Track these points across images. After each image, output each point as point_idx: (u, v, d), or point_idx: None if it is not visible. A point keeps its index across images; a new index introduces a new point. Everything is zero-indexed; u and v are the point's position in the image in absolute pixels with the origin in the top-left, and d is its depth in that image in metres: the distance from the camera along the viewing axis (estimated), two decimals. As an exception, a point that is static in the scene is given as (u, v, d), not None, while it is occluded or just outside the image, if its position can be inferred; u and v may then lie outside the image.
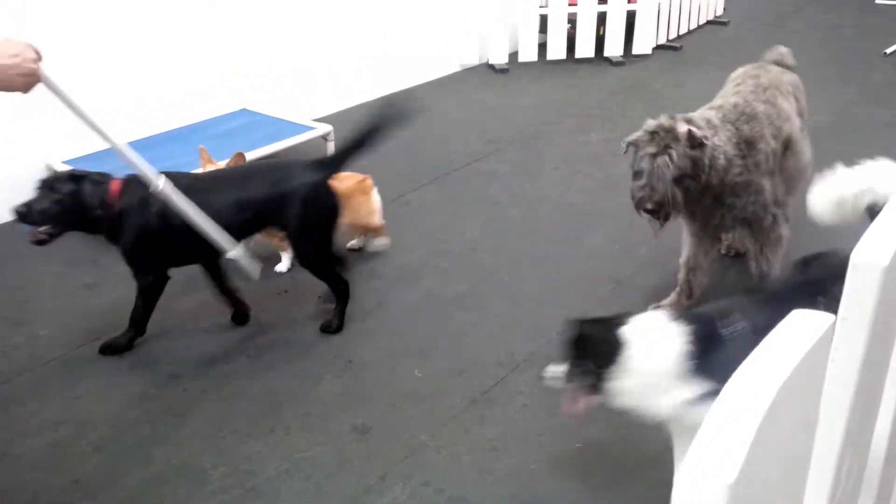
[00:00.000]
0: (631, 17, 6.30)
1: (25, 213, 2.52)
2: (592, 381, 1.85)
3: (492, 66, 6.18)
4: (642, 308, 2.49)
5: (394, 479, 2.19)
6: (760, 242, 2.80)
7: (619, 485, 2.19)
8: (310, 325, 2.94)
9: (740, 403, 0.65)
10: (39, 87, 2.12)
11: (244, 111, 4.56)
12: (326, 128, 4.28)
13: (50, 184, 2.55)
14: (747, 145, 2.65)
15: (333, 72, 5.20)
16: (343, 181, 3.34)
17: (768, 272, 2.79)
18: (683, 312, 2.00)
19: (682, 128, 2.49)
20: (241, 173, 2.88)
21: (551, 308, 2.99)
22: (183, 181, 2.59)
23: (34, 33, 3.49)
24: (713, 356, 1.76)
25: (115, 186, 2.59)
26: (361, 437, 2.36)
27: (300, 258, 2.87)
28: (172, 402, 2.54)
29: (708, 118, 2.64)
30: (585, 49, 6.27)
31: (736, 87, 2.91)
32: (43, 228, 2.55)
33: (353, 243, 3.46)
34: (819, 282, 1.87)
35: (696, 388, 1.75)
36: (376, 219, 3.37)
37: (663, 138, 2.48)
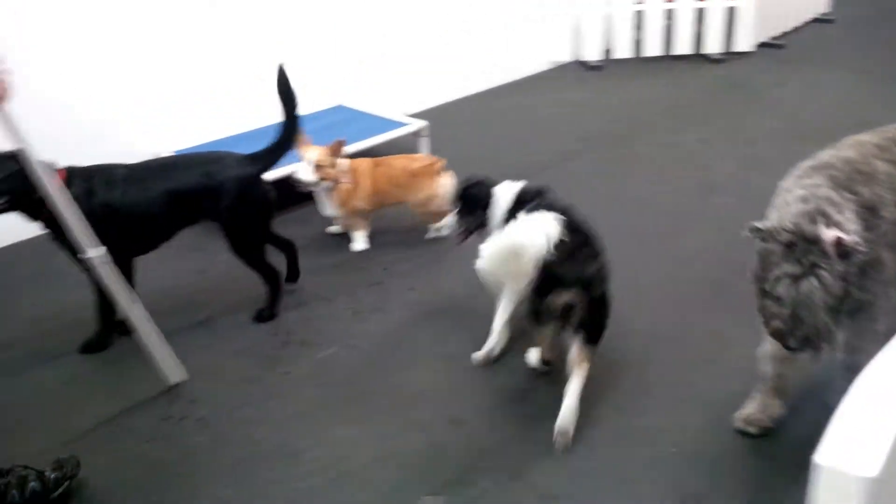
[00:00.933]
0: (731, 14, 6.13)
1: None
2: (472, 222, 2.83)
3: (584, 63, 6.12)
4: (744, 314, 2.43)
5: (485, 471, 2.22)
6: (862, 330, 2.12)
7: (712, 490, 2.15)
8: (402, 315, 3.01)
9: (884, 394, 0.61)
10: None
11: (340, 107, 4.68)
12: (421, 124, 4.34)
13: (1, 159, 2.54)
14: (870, 212, 2.03)
15: (427, 69, 5.27)
16: (414, 161, 3.53)
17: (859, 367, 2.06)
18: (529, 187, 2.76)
19: (829, 235, 1.85)
20: (173, 164, 2.90)
21: (642, 311, 2.96)
22: (120, 172, 2.71)
23: (137, 28, 3.65)
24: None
25: (59, 175, 2.59)
26: (454, 428, 2.40)
27: (232, 248, 2.93)
28: (273, 385, 2.65)
29: (828, 197, 1.97)
30: (683, 46, 6.14)
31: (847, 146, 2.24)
32: None
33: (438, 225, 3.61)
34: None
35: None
36: (437, 203, 3.45)
37: (806, 252, 1.86)
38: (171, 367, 2.62)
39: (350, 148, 3.95)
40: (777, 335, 1.98)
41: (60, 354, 2.85)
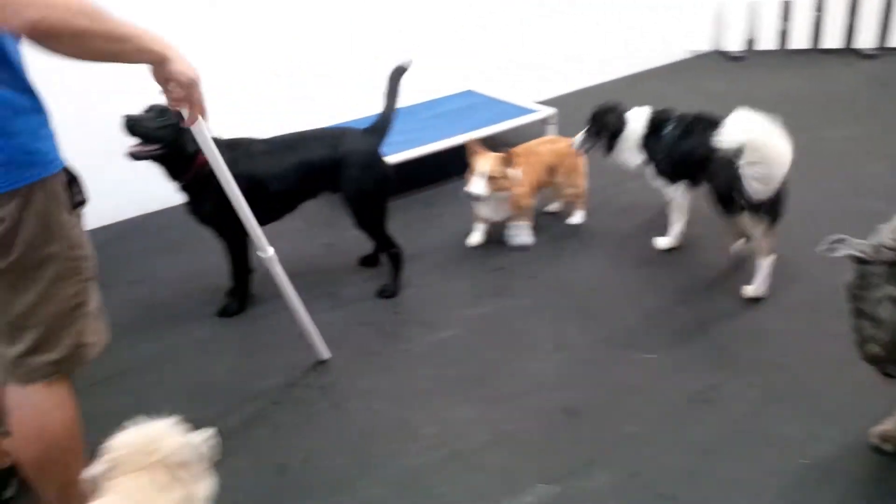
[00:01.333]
0: (889, 5, 5.68)
1: (134, 125, 2.62)
2: (596, 142, 3.34)
3: (725, 54, 5.86)
4: None
5: (601, 466, 2.18)
6: None
7: (847, 511, 2.03)
8: (522, 302, 2.99)
9: None
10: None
11: (470, 92, 4.69)
12: (550, 111, 4.29)
13: (163, 110, 2.65)
14: None
15: (558, 55, 5.20)
16: (555, 143, 3.51)
17: None
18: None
19: None
20: (302, 138, 2.97)
21: (782, 315, 2.81)
22: (260, 146, 2.85)
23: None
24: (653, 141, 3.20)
25: None
26: (570, 419, 2.37)
27: (356, 220, 3.01)
28: (393, 360, 2.71)
29: None
30: (833, 39, 5.75)
31: None
32: (138, 144, 2.64)
33: (552, 207, 3.65)
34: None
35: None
36: (582, 181, 3.48)
37: None
38: (320, 344, 2.70)
39: (478, 134, 3.97)
40: (872, 360, 1.84)
41: (195, 318, 3.02)
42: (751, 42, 5.88)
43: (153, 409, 2.48)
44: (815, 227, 3.42)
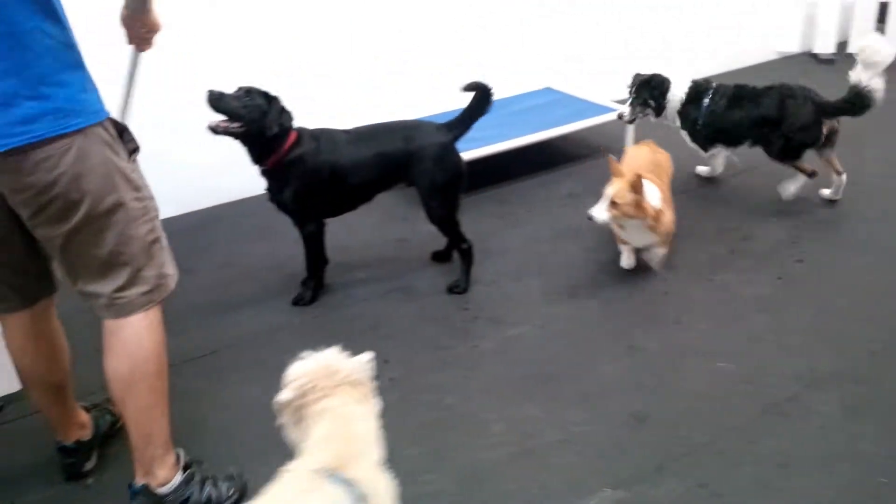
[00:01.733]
0: None
1: (217, 100, 2.72)
2: (643, 110, 3.68)
3: (815, 56, 5.65)
4: None
5: (669, 474, 2.15)
6: None
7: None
8: (593, 302, 2.97)
9: None
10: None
11: (548, 90, 4.67)
12: (626, 110, 4.22)
13: (249, 91, 2.76)
14: None
15: (642, 53, 5.11)
16: (656, 151, 3.40)
17: None
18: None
19: None
20: (380, 130, 3.02)
21: (866, 324, 2.72)
22: (342, 136, 2.94)
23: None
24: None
25: (292, 135, 2.82)
26: (638, 424, 2.35)
27: (428, 214, 3.03)
28: (462, 356, 2.73)
29: None
30: (934, 42, 5.48)
31: None
32: (222, 120, 2.72)
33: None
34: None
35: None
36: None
37: None
38: None
39: (554, 132, 3.95)
40: None
41: (272, 305, 3.11)
42: (843, 45, 5.65)
43: (231, 391, 2.59)
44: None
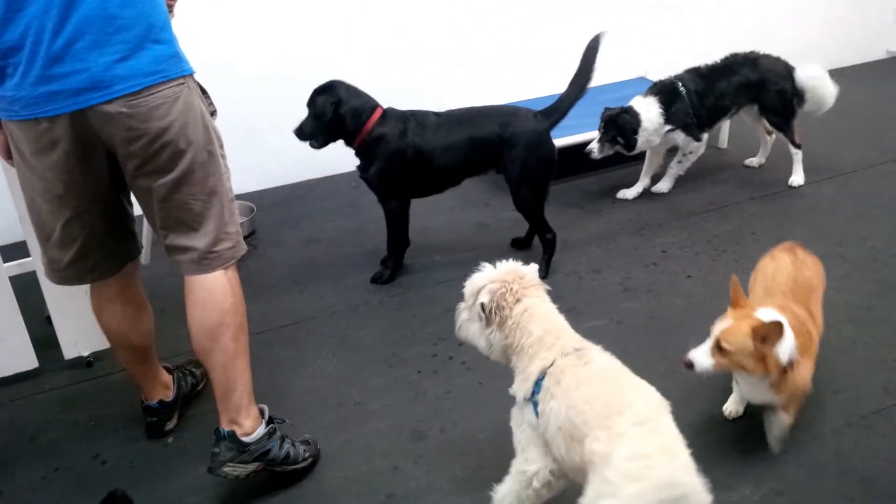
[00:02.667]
0: None
1: (300, 134, 2.94)
2: (616, 143, 3.56)
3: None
4: None
5: (745, 479, 2.08)
6: None
7: None
8: (673, 300, 2.90)
9: None
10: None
11: (642, 79, 4.56)
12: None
13: (313, 101, 2.90)
14: None
15: (733, 42, 4.94)
16: (803, 262, 2.39)
17: None
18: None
19: None
20: (475, 114, 3.02)
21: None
22: (433, 119, 2.96)
23: None
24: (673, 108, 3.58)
25: (376, 113, 2.88)
26: (715, 427, 2.28)
27: (515, 201, 3.02)
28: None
29: None
30: None
31: None
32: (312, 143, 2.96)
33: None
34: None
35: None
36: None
37: None
38: None
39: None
40: None
41: (353, 281, 3.17)
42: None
43: (309, 362, 2.67)
44: None
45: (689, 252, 3.24)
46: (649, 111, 3.57)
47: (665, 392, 2.41)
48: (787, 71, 3.66)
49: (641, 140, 3.58)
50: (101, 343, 2.52)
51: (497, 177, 3.09)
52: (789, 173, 3.79)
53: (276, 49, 3.82)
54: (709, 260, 3.18)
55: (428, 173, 2.98)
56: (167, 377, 2.36)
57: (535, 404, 1.73)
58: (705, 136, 3.74)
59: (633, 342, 2.68)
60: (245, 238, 2.08)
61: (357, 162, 3.02)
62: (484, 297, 1.80)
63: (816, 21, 5.13)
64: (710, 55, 3.69)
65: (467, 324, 1.90)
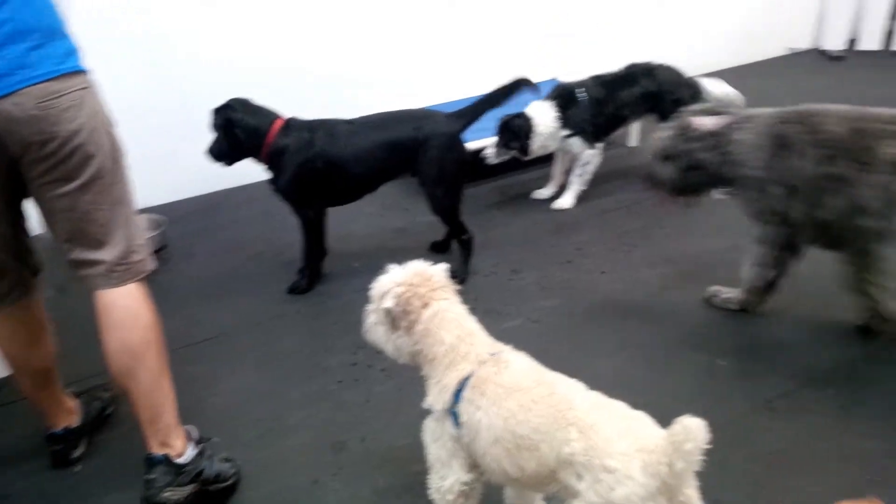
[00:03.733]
0: None
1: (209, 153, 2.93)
2: (514, 147, 3.59)
3: (824, 53, 5.60)
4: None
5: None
6: None
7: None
8: (590, 297, 2.96)
9: None
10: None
11: (554, 81, 4.63)
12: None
13: (214, 118, 2.88)
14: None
15: (645, 49, 5.08)
16: None
17: None
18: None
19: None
20: (387, 119, 3.02)
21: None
22: (344, 127, 2.90)
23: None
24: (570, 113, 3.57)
25: (275, 126, 2.86)
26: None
27: (431, 204, 3.03)
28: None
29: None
30: (945, 40, 5.43)
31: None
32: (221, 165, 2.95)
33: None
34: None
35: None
36: None
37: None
38: None
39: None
40: None
41: (269, 292, 3.12)
42: (853, 41, 5.60)
43: (227, 377, 2.60)
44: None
45: (603, 248, 3.31)
46: (544, 116, 3.57)
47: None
48: (684, 81, 3.70)
49: (536, 145, 3.58)
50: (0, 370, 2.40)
51: (414, 182, 3.09)
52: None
53: (182, 58, 3.73)
54: (621, 256, 3.26)
55: (342, 181, 2.95)
56: (72, 402, 2.26)
57: (455, 415, 1.71)
58: (600, 144, 3.75)
59: (550, 340, 2.73)
60: (155, 253, 2.02)
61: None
62: (389, 302, 1.76)
63: (718, 20, 5.32)
64: (621, 59, 3.79)
65: (374, 327, 1.86)
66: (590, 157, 3.71)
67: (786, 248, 2.61)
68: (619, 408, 1.59)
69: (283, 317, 2.96)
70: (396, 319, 1.77)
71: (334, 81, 4.07)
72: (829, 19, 5.57)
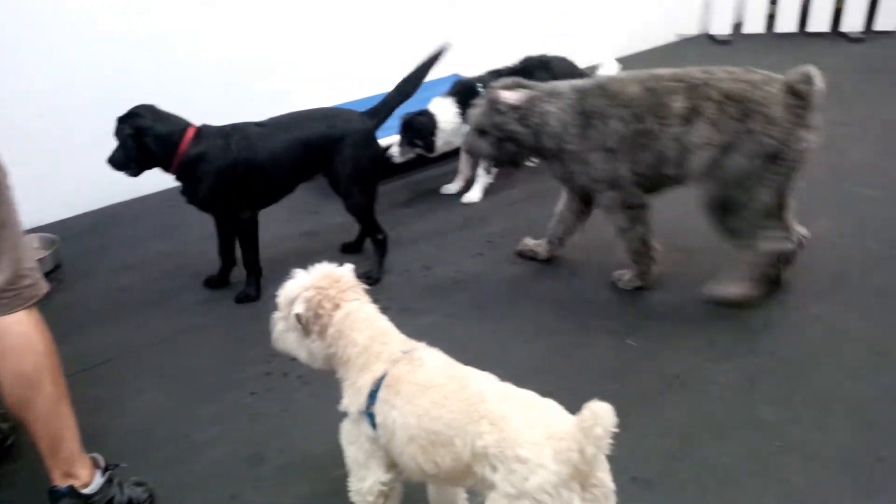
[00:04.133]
0: (877, -13, 5.66)
1: (111, 163, 2.79)
2: (418, 145, 3.53)
3: (712, 38, 5.83)
4: (869, 305, 2.30)
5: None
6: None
7: (821, 491, 2.03)
8: (502, 288, 2.99)
9: None
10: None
11: (455, 76, 4.65)
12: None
13: (119, 128, 2.75)
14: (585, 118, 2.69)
15: (535, 36, 5.16)
16: None
17: None
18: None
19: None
20: (300, 118, 2.98)
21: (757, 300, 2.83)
22: (255, 129, 2.85)
23: None
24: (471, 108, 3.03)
25: (188, 134, 2.76)
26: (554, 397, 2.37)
27: (345, 202, 3.01)
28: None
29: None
30: (820, 22, 5.73)
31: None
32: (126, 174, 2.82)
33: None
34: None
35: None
36: None
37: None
38: None
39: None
40: None
41: (177, 305, 3.01)
42: (738, 26, 5.86)
43: (133, 398, 2.49)
44: (804, 211, 3.45)
45: (512, 239, 3.33)
46: (446, 112, 3.54)
47: (501, 374, 2.48)
48: (578, 71, 3.67)
49: (440, 141, 3.56)
50: None
51: (323, 184, 3.04)
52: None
53: (73, 70, 3.55)
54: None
55: (262, 184, 2.88)
56: None
57: (371, 416, 1.69)
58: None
59: (467, 333, 2.74)
60: (49, 274, 1.91)
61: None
62: (299, 307, 1.73)
63: (612, 11, 5.46)
64: (518, 50, 3.83)
65: (284, 334, 1.82)
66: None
67: (632, 206, 2.80)
68: (528, 397, 1.61)
69: (191, 331, 2.86)
70: (308, 324, 1.74)
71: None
72: (715, 6, 5.81)
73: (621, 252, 2.94)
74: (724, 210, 2.65)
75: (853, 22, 5.71)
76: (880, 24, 5.73)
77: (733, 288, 2.74)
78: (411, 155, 3.62)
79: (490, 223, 3.51)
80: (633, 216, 2.81)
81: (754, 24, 5.82)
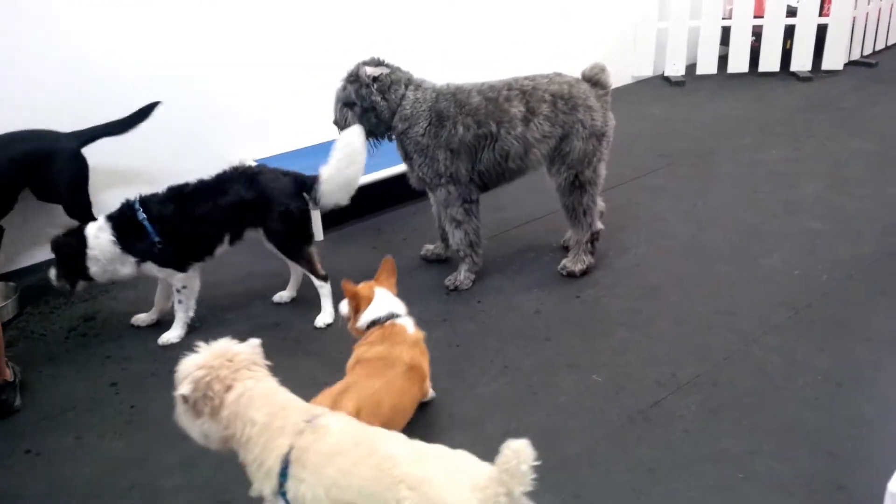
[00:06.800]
0: (821, 31, 5.90)
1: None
2: (71, 277, 2.90)
3: (667, 79, 6.01)
4: (825, 336, 2.37)
5: (544, 488, 2.13)
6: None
7: (785, 524, 2.06)
8: (468, 326, 3.00)
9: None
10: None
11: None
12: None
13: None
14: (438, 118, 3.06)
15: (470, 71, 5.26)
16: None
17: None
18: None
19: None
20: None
21: (720, 331, 2.89)
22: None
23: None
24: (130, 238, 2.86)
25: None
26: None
27: (66, 209, 3.30)
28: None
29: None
30: (770, 63, 5.96)
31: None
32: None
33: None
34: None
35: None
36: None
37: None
38: None
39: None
40: None
41: (134, 352, 2.96)
42: (692, 67, 6.04)
43: (91, 447, 2.43)
44: (755, 245, 3.54)
45: (475, 281, 3.36)
46: (99, 238, 2.86)
47: (465, 413, 2.50)
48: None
49: (98, 270, 2.88)
50: None
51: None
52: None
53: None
54: (495, 282, 3.34)
55: None
56: None
57: (284, 494, 1.64)
58: (196, 265, 3.02)
59: (434, 371, 2.73)
60: (9, 322, 1.87)
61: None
62: (185, 388, 1.67)
63: (563, 53, 5.60)
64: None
65: (181, 414, 1.75)
66: (181, 279, 2.98)
67: (467, 201, 3.20)
68: (441, 452, 1.59)
69: (152, 376, 2.82)
70: (197, 405, 1.69)
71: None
72: (669, 49, 5.99)
73: (582, 282, 2.97)
74: (581, 188, 3.18)
75: (802, 62, 5.94)
76: (826, 64, 5.97)
77: (579, 265, 3.29)
78: (69, 289, 2.95)
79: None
80: (468, 209, 3.21)
81: (707, 66, 6.02)
